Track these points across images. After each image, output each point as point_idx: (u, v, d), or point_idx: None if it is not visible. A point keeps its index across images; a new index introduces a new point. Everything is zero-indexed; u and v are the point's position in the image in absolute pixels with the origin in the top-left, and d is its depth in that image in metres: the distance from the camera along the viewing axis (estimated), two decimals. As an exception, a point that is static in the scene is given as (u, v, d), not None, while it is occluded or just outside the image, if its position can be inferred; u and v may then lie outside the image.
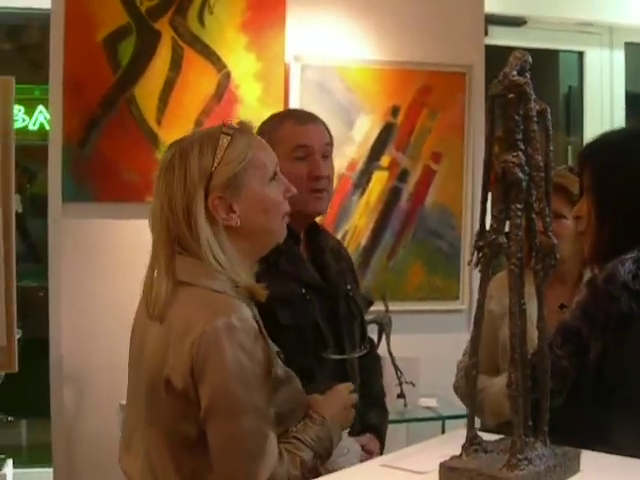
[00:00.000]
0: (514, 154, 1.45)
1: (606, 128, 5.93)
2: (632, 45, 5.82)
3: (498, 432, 1.61)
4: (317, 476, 1.97)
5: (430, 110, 4.56)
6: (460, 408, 4.32)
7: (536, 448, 1.50)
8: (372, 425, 2.86)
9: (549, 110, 1.52)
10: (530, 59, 1.49)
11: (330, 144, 2.77)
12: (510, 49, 4.79)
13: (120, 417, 3.90)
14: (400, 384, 4.15)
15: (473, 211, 4.63)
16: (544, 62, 6.26)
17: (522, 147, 1.46)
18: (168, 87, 4.20)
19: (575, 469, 1.54)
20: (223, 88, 4.27)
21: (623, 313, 1.87)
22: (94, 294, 4.14)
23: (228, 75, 4.27)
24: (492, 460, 1.48)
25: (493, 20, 5.12)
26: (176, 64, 4.21)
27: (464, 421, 4.27)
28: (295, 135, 2.69)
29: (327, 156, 2.75)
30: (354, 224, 4.47)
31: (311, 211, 2.75)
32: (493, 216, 1.47)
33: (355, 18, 4.48)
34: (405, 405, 4.15)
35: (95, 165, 4.13)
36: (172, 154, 2.06)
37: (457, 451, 1.56)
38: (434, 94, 4.56)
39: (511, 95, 1.45)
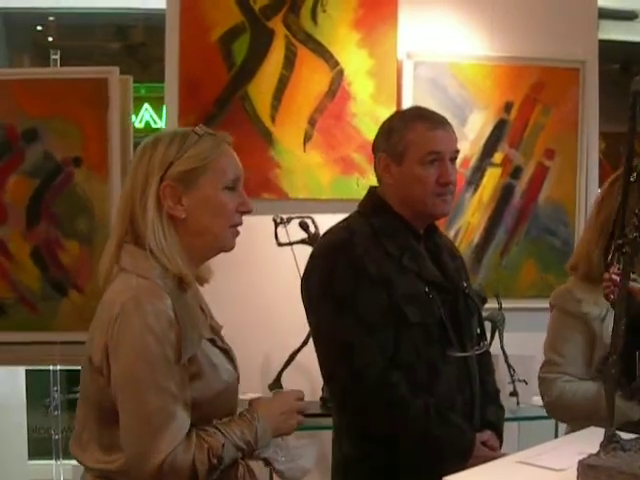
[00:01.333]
0: (656, 151, 1.44)
1: None
2: None
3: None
4: (234, 467, 2.16)
5: (543, 106, 4.53)
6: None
7: (678, 448, 1.49)
8: (491, 422, 2.87)
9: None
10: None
11: (458, 151, 2.80)
12: (621, 43, 4.71)
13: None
14: (513, 382, 4.14)
15: (587, 208, 4.57)
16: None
17: (664, 144, 1.44)
18: (282, 85, 4.25)
19: None
20: (336, 85, 4.30)
21: None
22: (210, 288, 4.18)
23: (341, 72, 4.30)
24: (631, 459, 1.47)
25: (604, 14, 5.05)
26: (289, 62, 4.26)
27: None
28: (427, 140, 2.71)
29: (454, 160, 2.77)
30: (467, 221, 4.46)
31: (437, 213, 2.78)
32: (635, 214, 1.46)
33: (467, 14, 4.48)
34: (518, 403, 4.12)
35: (211, 163, 4.19)
36: (146, 142, 2.19)
37: (592, 449, 1.55)
38: (547, 90, 4.52)
39: (654, 92, 1.44)
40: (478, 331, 2.93)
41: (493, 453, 2.70)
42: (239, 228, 2.23)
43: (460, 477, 1.47)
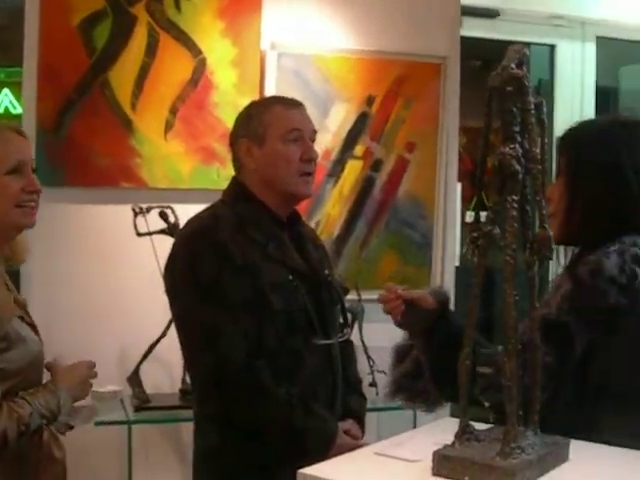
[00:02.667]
0: (511, 146, 1.46)
1: (577, 120, 6.00)
2: (603, 39, 5.87)
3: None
4: (39, 432, 2.36)
5: (405, 100, 4.57)
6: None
7: (527, 437, 1.52)
8: (353, 411, 2.90)
9: (545, 103, 1.53)
10: (528, 52, 1.50)
11: (316, 132, 2.85)
12: (483, 41, 4.81)
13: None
14: (372, 373, 4.17)
15: (445, 201, 4.67)
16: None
17: (519, 139, 1.47)
18: (143, 72, 4.17)
19: (565, 457, 1.57)
20: (199, 74, 4.24)
21: (611, 307, 1.88)
22: (66, 278, 4.11)
23: (204, 61, 4.24)
24: (485, 449, 1.49)
25: (467, 11, 5.13)
26: (152, 49, 4.17)
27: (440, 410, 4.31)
28: (287, 119, 2.76)
29: (313, 142, 2.82)
30: (327, 213, 4.47)
31: (300, 194, 2.81)
32: (489, 207, 1.48)
33: (332, 7, 4.48)
34: (377, 394, 4.16)
35: (68, 150, 4.07)
36: None
37: (448, 439, 1.57)
38: (409, 84, 4.57)
39: (509, 88, 1.47)
40: (341, 320, 2.96)
41: (355, 442, 2.72)
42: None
43: (316, 469, 1.47)
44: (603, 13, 5.74)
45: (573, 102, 5.87)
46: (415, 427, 4.25)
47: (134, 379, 3.91)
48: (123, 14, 4.14)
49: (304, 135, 2.78)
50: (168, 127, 4.21)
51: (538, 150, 1.46)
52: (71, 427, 2.57)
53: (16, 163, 2.39)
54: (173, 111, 4.21)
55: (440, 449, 1.49)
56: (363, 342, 4.15)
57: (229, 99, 4.24)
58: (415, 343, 2.33)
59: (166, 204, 3.93)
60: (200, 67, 4.25)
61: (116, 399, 3.93)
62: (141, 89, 4.17)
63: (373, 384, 4.15)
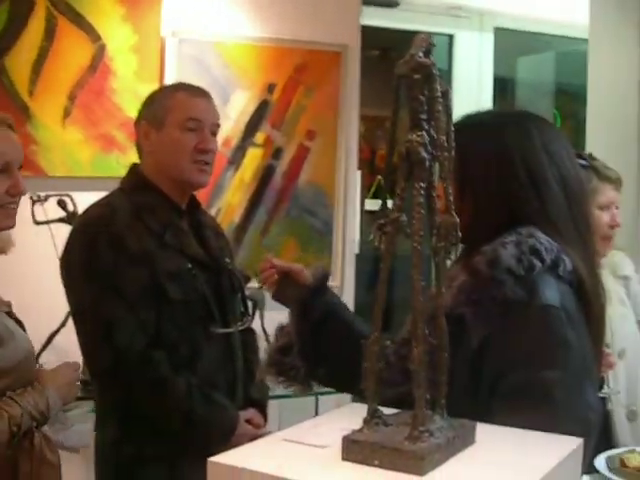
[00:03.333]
0: (418, 134, 1.47)
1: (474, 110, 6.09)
2: (501, 30, 5.96)
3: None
4: (29, 434, 2.26)
5: (306, 88, 4.59)
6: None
7: (435, 421, 1.53)
8: (255, 400, 2.90)
9: (451, 91, 1.54)
10: (434, 42, 1.52)
11: (218, 125, 2.83)
12: (382, 30, 4.84)
13: None
14: (273, 360, 4.17)
15: (346, 189, 4.69)
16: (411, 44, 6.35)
17: (426, 127, 1.48)
18: (41, 57, 4.09)
19: (472, 440, 1.59)
20: (98, 60, 4.18)
21: (508, 299, 1.88)
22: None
23: (103, 47, 4.19)
24: (394, 433, 1.50)
25: (367, 1, 5.17)
26: (50, 34, 4.10)
27: (337, 396, 4.36)
28: (188, 107, 2.75)
29: (214, 134, 2.80)
30: (228, 201, 4.46)
31: (194, 182, 2.79)
32: (397, 194, 1.49)
33: (233, -6, 4.46)
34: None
35: (-38, 136, 3.99)
36: None
37: (355, 425, 1.58)
38: (310, 72, 4.59)
39: (417, 76, 1.47)
40: (242, 309, 2.96)
41: (257, 431, 2.73)
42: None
43: (226, 457, 1.47)
44: (501, 4, 5.83)
45: (471, 92, 5.95)
46: (317, 414, 4.28)
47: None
48: (20, -3, 4.06)
49: (204, 126, 2.77)
50: (66, 114, 4.15)
51: (445, 137, 1.47)
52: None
53: (3, 164, 2.32)
54: (71, 97, 4.15)
55: (349, 434, 1.50)
56: (264, 330, 4.15)
57: (129, 86, 4.19)
58: (289, 318, 2.34)
59: (65, 192, 3.87)
60: (99, 53, 4.19)
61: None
62: (38, 74, 4.10)
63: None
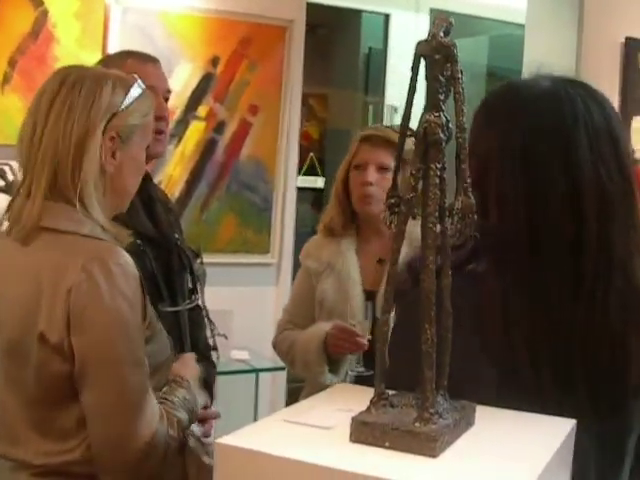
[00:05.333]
0: (436, 114, 1.46)
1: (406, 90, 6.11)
2: (437, 11, 5.98)
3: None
4: (186, 437, 2.02)
5: (250, 62, 4.56)
6: (272, 361, 4.40)
7: (440, 402, 1.53)
8: (201, 379, 2.86)
9: (463, 73, 1.53)
10: (453, 22, 1.51)
11: (170, 91, 2.77)
12: (321, 6, 4.82)
13: None
14: (213, 337, 4.13)
15: (287, 166, 4.68)
16: (347, 22, 6.36)
17: (443, 108, 1.47)
18: (-20, 23, 3.98)
19: (472, 422, 1.60)
20: (40, 26, 4.08)
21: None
22: None
23: (45, 13, 4.09)
24: (402, 414, 1.50)
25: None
26: (-11, -2, 3.99)
27: (276, 373, 4.35)
28: (140, 74, 2.66)
29: (167, 100, 2.74)
30: (169, 174, 4.40)
31: (152, 152, 2.72)
32: (411, 174, 1.48)
33: (179, -38, 4.39)
34: (217, 358, 4.13)
35: None
36: (81, 76, 1.93)
37: (351, 405, 1.57)
38: (254, 46, 4.56)
39: (438, 56, 1.46)
40: (190, 286, 2.92)
41: (204, 412, 2.69)
42: None
43: (234, 439, 1.44)
44: (437, -15, 5.86)
45: (405, 72, 5.95)
46: (257, 390, 4.28)
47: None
48: (-41, -41, 3.94)
49: (158, 92, 2.70)
50: (6, 80, 4.05)
51: (464, 119, 1.46)
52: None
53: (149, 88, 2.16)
54: (12, 64, 4.05)
55: (357, 415, 1.49)
56: (204, 306, 4.11)
57: (71, 53, 4.11)
58: None
59: (4, 161, 3.77)
60: (42, 19, 4.09)
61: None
62: (-22, 40, 3.98)
63: (214, 348, 4.13)
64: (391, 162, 3.02)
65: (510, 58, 5.82)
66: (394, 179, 1.54)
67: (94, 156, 1.90)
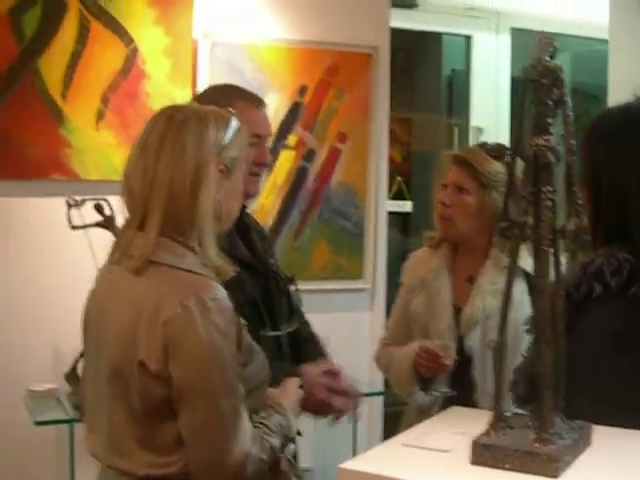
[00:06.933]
0: (545, 138, 1.48)
1: (492, 111, 6.07)
2: (518, 30, 5.97)
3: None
4: (278, 463, 2.07)
5: (337, 90, 4.59)
6: (368, 385, 4.41)
7: (557, 422, 1.54)
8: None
9: (569, 95, 1.55)
10: (557, 45, 1.52)
11: (271, 134, 2.84)
12: (401, 31, 4.83)
13: (29, 403, 3.80)
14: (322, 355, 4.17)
15: (377, 191, 4.70)
16: (428, 45, 6.38)
17: (551, 131, 1.49)
18: (74, 61, 4.07)
19: (590, 441, 1.60)
20: (130, 63, 4.17)
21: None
22: (-4, 274, 4.01)
23: (136, 50, 4.17)
24: (521, 436, 1.51)
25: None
26: (82, 37, 4.08)
27: (373, 398, 4.36)
28: (249, 122, 2.67)
29: (268, 143, 2.80)
30: (261, 203, 4.45)
31: (249, 192, 2.76)
32: (522, 197, 1.50)
33: (264, -4, 4.47)
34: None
35: (-4, 140, 3.97)
36: (187, 116, 2.05)
37: (466, 428, 1.59)
38: (341, 74, 4.59)
39: (545, 80, 1.48)
40: (288, 310, 2.95)
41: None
42: None
43: (356, 464, 1.47)
44: (518, 5, 5.84)
45: (488, 93, 5.96)
46: (355, 417, 4.29)
47: (72, 376, 3.81)
48: (53, 0, 4.04)
49: (264, 140, 2.74)
50: (99, 117, 4.14)
51: (574, 141, 1.48)
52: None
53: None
54: (104, 101, 4.13)
55: (477, 438, 1.50)
56: (310, 332, 4.15)
57: (162, 89, 4.19)
58: None
59: (102, 196, 3.85)
60: (132, 56, 4.17)
61: (52, 398, 3.85)
62: (71, 78, 4.08)
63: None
64: (468, 183, 3.05)
65: (594, 74, 5.78)
66: (505, 203, 1.56)
67: (210, 191, 2.00)
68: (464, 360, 2.94)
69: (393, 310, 3.33)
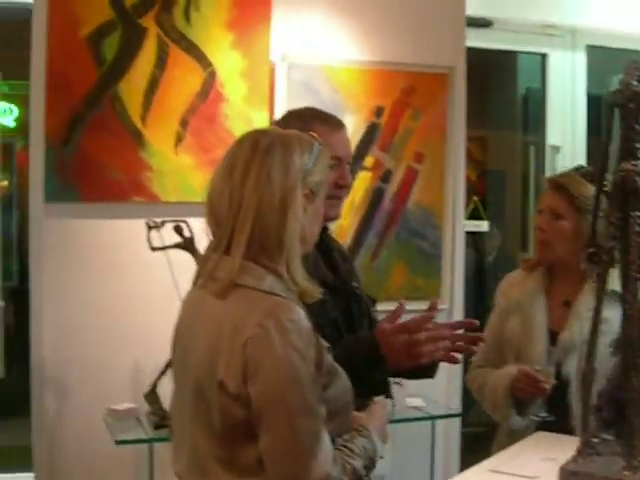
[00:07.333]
0: (633, 163, 1.47)
1: (568, 129, 6.00)
2: (594, 48, 5.91)
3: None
4: None
5: (413, 110, 4.60)
6: (446, 407, 4.39)
7: (644, 451, 1.52)
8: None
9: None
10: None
11: (352, 155, 2.84)
12: (476, 50, 4.81)
13: (108, 421, 3.85)
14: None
15: (455, 211, 4.70)
16: (503, 64, 6.36)
17: (639, 156, 1.48)
18: (153, 85, 4.13)
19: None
20: (209, 86, 4.21)
21: None
22: (78, 294, 4.06)
23: (214, 73, 4.22)
24: (608, 463, 1.50)
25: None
26: (161, 61, 4.14)
27: (452, 420, 4.34)
28: (329, 145, 2.68)
29: (350, 165, 2.79)
30: (339, 224, 4.44)
31: (330, 216, 2.76)
32: (611, 223, 1.48)
33: (341, 18, 4.49)
34: (394, 406, 4.15)
35: (78, 164, 4.02)
36: (271, 141, 2.05)
37: (554, 454, 1.58)
38: (417, 95, 4.60)
39: (632, 105, 1.47)
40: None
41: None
42: None
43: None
44: (593, 22, 5.78)
45: (564, 111, 5.91)
46: (433, 437, 4.27)
47: (152, 396, 3.85)
48: (132, 25, 4.11)
49: (343, 162, 2.74)
50: (178, 140, 4.19)
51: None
52: None
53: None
54: (183, 124, 4.19)
55: (565, 464, 1.49)
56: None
57: (240, 111, 4.23)
58: None
59: (181, 218, 3.90)
60: (210, 79, 4.22)
61: (132, 417, 3.89)
62: (151, 102, 4.14)
63: (389, 396, 4.14)
64: (563, 208, 3.04)
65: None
66: (593, 228, 1.55)
67: (297, 215, 2.01)
68: (561, 385, 2.92)
69: (486, 331, 3.31)
